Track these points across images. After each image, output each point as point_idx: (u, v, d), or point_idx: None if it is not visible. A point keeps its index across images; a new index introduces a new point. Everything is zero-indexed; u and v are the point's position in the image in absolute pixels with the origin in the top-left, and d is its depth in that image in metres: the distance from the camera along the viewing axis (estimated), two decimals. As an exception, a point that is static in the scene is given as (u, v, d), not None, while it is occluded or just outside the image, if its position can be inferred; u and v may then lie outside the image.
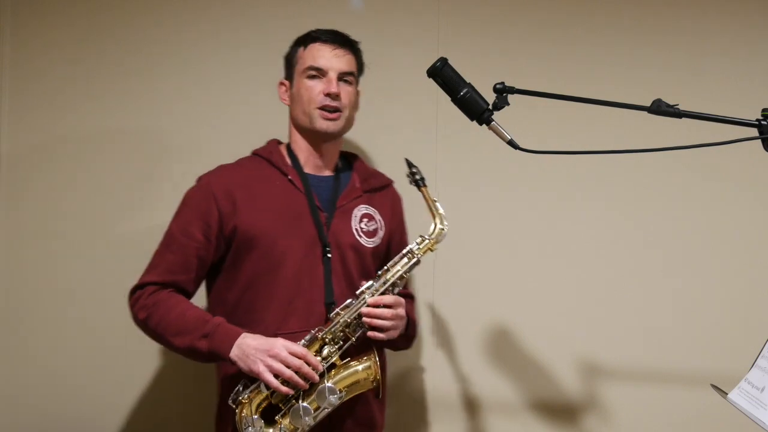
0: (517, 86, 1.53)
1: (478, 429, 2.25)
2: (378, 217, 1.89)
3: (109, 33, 2.21)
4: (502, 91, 1.54)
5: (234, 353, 1.63)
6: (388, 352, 1.90)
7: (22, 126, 2.21)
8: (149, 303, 1.73)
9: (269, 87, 2.15)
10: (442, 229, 1.77)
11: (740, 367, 1.54)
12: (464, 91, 1.57)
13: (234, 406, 1.68)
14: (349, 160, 1.97)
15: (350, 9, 2.26)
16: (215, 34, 2.23)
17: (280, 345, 1.62)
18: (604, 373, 2.25)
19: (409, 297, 2.00)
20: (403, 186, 1.96)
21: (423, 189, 1.79)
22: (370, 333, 1.70)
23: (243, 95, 2.23)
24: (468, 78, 1.59)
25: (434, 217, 1.78)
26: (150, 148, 2.22)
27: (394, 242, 1.94)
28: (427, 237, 1.77)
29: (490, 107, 1.56)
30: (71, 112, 2.21)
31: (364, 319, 1.69)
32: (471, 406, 2.26)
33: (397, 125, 2.24)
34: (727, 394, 1.50)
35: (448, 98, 1.59)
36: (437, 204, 1.79)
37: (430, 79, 1.61)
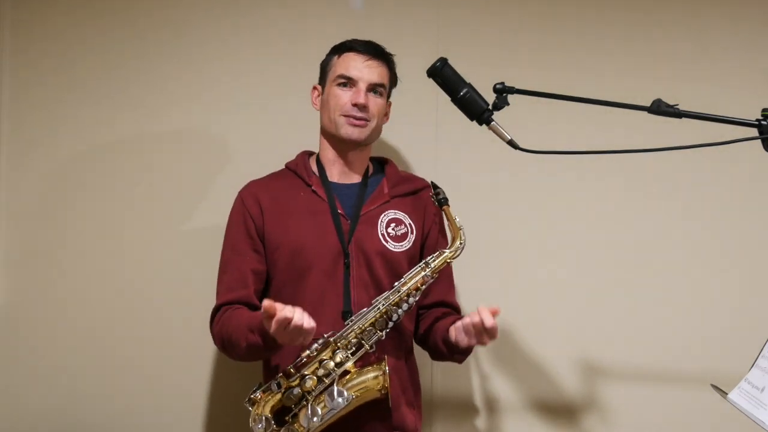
0: (517, 86, 1.53)
1: (480, 428, 2.25)
2: (408, 221, 1.89)
3: (111, 36, 2.21)
4: (502, 91, 1.54)
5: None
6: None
7: (22, 129, 2.20)
8: (218, 327, 1.77)
9: (279, 92, 2.17)
10: (460, 245, 1.79)
11: (740, 367, 1.54)
12: (464, 91, 1.57)
13: (248, 406, 1.70)
14: (383, 165, 1.98)
15: (350, 9, 2.26)
16: (221, 38, 2.23)
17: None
18: (604, 373, 2.25)
19: (457, 310, 1.98)
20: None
21: (445, 207, 1.81)
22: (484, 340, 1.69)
23: (252, 98, 2.22)
24: (468, 78, 1.59)
25: (454, 234, 1.80)
26: (154, 153, 2.22)
27: (428, 245, 1.92)
28: (445, 251, 1.79)
29: (490, 107, 1.56)
30: (72, 116, 2.20)
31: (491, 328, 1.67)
32: (473, 406, 2.25)
33: (397, 125, 2.24)
34: (727, 394, 1.51)
35: (448, 98, 1.60)
36: (457, 221, 1.80)
37: (430, 79, 1.61)
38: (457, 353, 1.82)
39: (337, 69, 1.84)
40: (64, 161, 2.21)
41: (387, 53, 1.89)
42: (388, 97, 1.93)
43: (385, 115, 1.93)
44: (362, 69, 1.82)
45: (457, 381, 2.26)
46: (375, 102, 1.83)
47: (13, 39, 2.20)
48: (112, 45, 2.21)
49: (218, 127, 2.22)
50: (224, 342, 1.75)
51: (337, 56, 1.86)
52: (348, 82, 1.82)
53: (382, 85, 1.85)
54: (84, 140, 2.21)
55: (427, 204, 1.94)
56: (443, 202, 1.81)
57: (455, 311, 1.96)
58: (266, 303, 1.55)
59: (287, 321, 1.53)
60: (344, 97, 1.81)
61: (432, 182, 1.85)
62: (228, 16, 2.23)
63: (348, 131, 1.81)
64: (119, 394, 2.19)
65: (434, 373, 2.25)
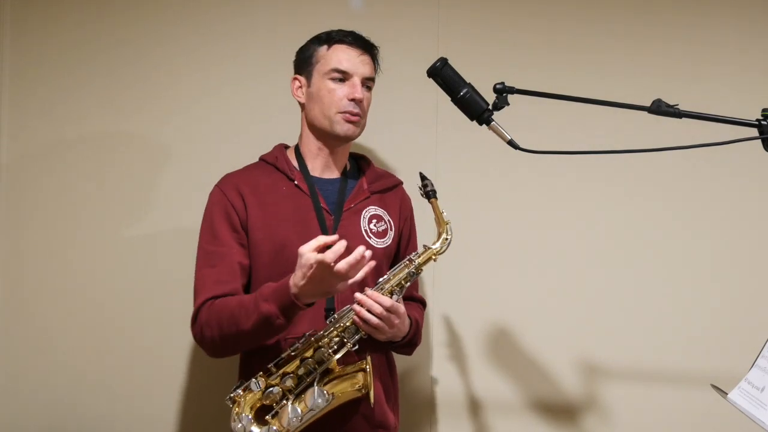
0: (518, 86, 1.53)
1: (480, 429, 2.25)
2: (387, 217, 1.88)
3: (110, 35, 2.21)
4: (502, 91, 1.54)
5: (296, 290, 1.54)
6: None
7: (23, 128, 2.20)
8: (209, 319, 1.67)
9: (273, 90, 2.17)
10: (447, 239, 1.77)
11: (740, 367, 1.54)
12: (464, 91, 1.57)
13: (229, 404, 1.67)
14: (358, 161, 1.96)
15: (350, 9, 2.26)
16: (217, 37, 2.23)
17: (309, 263, 1.51)
18: (604, 373, 2.25)
19: (419, 302, 1.99)
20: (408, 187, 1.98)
21: (433, 201, 1.79)
22: (354, 317, 1.67)
23: (246, 98, 2.22)
24: (468, 78, 1.59)
25: (440, 228, 1.78)
26: (153, 152, 2.22)
27: (403, 242, 1.94)
28: (430, 247, 1.77)
29: (490, 107, 1.56)
30: (72, 115, 2.20)
31: (354, 306, 1.67)
32: (473, 406, 2.26)
33: (397, 125, 2.24)
34: (727, 394, 1.50)
35: (448, 98, 1.60)
36: (444, 215, 1.78)
37: (430, 79, 1.61)
38: (391, 346, 1.82)
39: (330, 62, 1.78)
40: (65, 159, 2.21)
41: (374, 45, 1.85)
42: None
43: None
44: (357, 64, 1.78)
45: (457, 381, 2.26)
46: (367, 97, 1.81)
47: (13, 39, 2.20)
48: (113, 46, 2.21)
49: (221, 123, 2.22)
50: (219, 328, 1.64)
51: (326, 47, 1.80)
52: (343, 76, 1.77)
53: (372, 80, 1.83)
54: (85, 138, 2.21)
55: (403, 201, 1.94)
56: (431, 194, 1.79)
57: (421, 304, 1.98)
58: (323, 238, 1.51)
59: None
60: (339, 92, 1.77)
61: (420, 173, 1.83)
62: (227, 19, 2.24)
63: (345, 128, 1.78)
64: (117, 394, 2.19)
65: (434, 373, 2.25)
